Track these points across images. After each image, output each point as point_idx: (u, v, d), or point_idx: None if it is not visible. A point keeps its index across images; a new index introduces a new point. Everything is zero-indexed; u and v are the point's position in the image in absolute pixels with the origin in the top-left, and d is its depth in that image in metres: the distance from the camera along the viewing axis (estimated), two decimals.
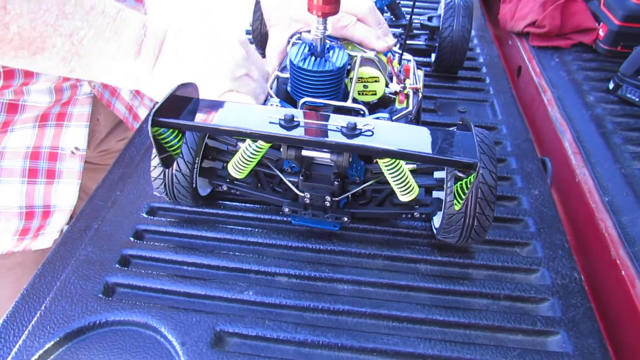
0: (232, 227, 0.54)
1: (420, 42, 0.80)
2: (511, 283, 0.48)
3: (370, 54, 0.53)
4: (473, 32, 0.93)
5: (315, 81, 0.48)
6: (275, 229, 0.54)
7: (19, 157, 0.66)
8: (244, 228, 0.54)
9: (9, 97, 0.61)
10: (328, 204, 0.50)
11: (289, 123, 0.40)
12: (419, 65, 0.65)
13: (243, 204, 0.57)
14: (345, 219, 0.50)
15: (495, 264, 0.50)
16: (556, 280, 0.48)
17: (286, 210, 0.51)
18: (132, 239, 0.53)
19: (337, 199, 0.49)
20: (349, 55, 0.51)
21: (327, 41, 0.49)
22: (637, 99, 0.74)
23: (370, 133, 0.40)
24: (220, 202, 0.57)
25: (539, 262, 0.50)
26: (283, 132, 0.39)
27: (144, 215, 0.55)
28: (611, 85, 0.77)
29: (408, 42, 0.79)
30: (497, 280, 0.49)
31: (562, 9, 0.89)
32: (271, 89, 0.52)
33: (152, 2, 0.69)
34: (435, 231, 0.50)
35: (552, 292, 0.47)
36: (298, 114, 0.41)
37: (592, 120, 0.73)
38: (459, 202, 0.44)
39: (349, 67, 0.52)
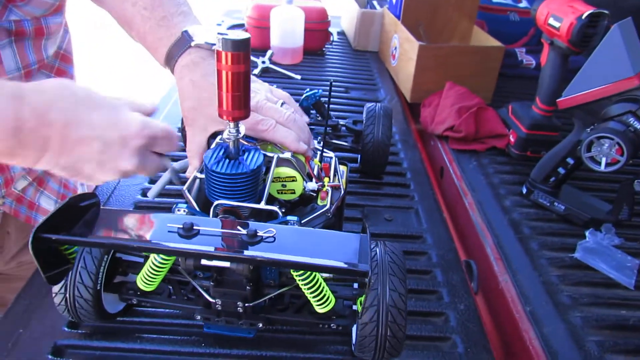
0: (153, 335, 0.52)
1: (346, 143, 0.83)
2: None
3: (287, 154, 0.53)
4: (396, 137, 0.98)
5: (229, 184, 0.47)
6: (197, 335, 0.52)
7: None
8: (165, 337, 0.52)
9: None
10: (241, 310, 0.47)
11: (188, 232, 0.40)
12: (345, 161, 0.65)
13: (162, 310, 0.54)
14: (260, 325, 0.48)
15: None
16: None
17: (198, 317, 0.49)
18: None
19: (251, 304, 0.47)
20: (265, 155, 0.51)
21: (244, 142, 0.50)
22: (547, 204, 0.79)
23: (271, 239, 0.40)
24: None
25: None
26: (178, 244, 0.39)
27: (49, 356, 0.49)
28: (524, 190, 0.82)
29: (337, 142, 0.82)
30: None
31: (475, 116, 0.97)
32: (190, 191, 0.51)
33: None
34: (352, 347, 0.49)
35: None
36: (199, 221, 0.41)
37: (510, 225, 0.76)
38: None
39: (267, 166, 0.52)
